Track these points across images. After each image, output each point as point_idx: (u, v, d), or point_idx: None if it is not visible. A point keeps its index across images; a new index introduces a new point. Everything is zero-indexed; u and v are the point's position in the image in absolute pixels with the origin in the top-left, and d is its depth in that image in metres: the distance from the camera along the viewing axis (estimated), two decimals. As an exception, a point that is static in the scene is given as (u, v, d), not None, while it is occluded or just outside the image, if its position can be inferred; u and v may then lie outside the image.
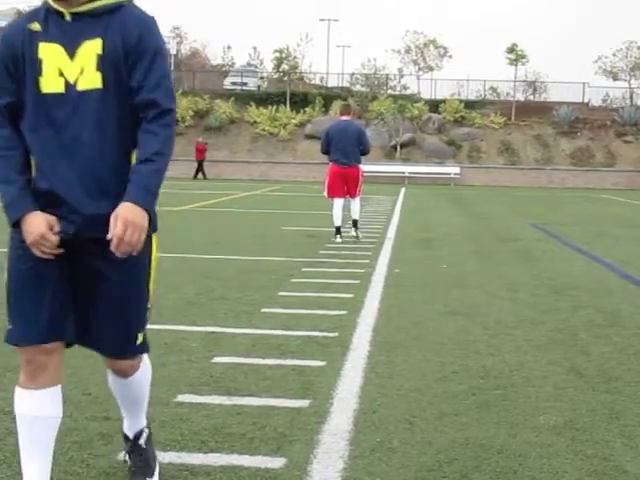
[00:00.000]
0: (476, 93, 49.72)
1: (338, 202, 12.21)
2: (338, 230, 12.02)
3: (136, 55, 2.65)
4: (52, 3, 2.67)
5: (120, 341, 2.84)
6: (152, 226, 2.75)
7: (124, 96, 2.67)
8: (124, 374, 2.97)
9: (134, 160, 2.70)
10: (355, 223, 12.47)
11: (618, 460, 3.57)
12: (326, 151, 12.31)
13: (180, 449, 3.56)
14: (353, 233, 12.34)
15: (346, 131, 12.05)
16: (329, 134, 12.22)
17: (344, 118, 12.39)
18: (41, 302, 2.70)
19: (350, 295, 7.50)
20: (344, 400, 4.31)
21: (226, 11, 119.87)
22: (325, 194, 12.42)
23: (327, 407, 4.18)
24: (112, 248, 2.58)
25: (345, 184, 12.22)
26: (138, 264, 2.78)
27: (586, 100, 47.18)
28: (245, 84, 49.02)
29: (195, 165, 39.37)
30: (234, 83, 49.44)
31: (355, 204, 12.47)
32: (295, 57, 47.23)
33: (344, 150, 12.01)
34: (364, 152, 12.25)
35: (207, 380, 4.61)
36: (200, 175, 39.04)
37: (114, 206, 2.61)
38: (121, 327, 2.81)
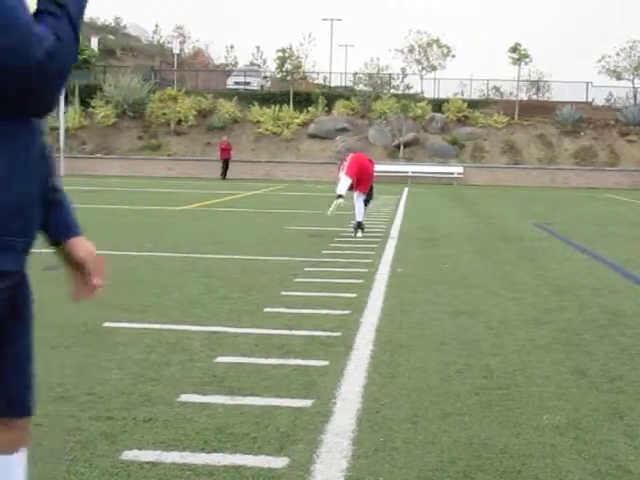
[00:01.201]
0: (479, 93, 49.64)
1: (358, 195, 12.78)
2: (359, 225, 12.74)
3: None
4: None
5: (27, 390, 2.16)
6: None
7: None
8: (11, 447, 2.13)
9: None
10: (360, 225, 12.82)
11: (622, 460, 3.56)
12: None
13: (183, 449, 3.56)
14: (359, 234, 12.69)
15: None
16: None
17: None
18: None
19: (353, 295, 7.49)
20: (347, 400, 4.31)
21: (229, 11, 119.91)
22: (344, 173, 12.64)
23: (330, 407, 4.18)
24: (95, 281, 2.08)
25: (360, 173, 12.66)
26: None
27: (589, 99, 47.09)
28: (248, 84, 48.98)
29: (220, 165, 39.31)
30: (237, 83, 49.41)
31: (360, 204, 12.80)
32: (298, 57, 47.16)
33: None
34: None
35: (210, 380, 4.61)
36: (226, 174, 38.99)
37: None
38: (26, 374, 2.16)
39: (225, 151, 39.25)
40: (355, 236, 12.58)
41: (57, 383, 4.47)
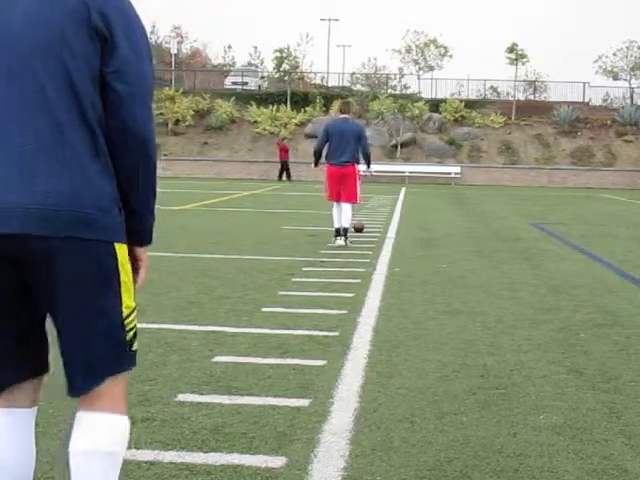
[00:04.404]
0: (476, 93, 49.74)
1: (337, 205, 11.75)
2: (338, 232, 11.66)
3: None
4: None
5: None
6: None
7: None
8: (34, 403, 2.44)
9: None
10: (345, 232, 11.64)
11: (618, 459, 3.57)
12: (319, 148, 11.91)
13: (180, 448, 3.57)
14: (341, 242, 11.54)
15: (345, 131, 11.67)
16: (328, 132, 11.83)
17: (343, 116, 12.04)
18: None
19: (351, 294, 7.50)
20: (344, 399, 4.32)
21: (227, 11, 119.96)
22: (327, 196, 11.98)
23: (327, 406, 4.19)
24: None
25: (341, 185, 11.69)
26: None
27: (586, 100, 47.19)
28: (246, 84, 49.04)
29: (279, 166, 38.79)
30: (235, 83, 49.48)
31: (347, 211, 11.65)
32: (296, 57, 47.21)
33: (341, 150, 11.64)
34: (363, 153, 11.83)
35: (208, 379, 4.62)
36: (285, 176, 38.15)
37: None
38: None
39: (284, 152, 38.69)
40: (339, 243, 11.57)
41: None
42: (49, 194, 2.13)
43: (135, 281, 2.39)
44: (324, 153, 11.98)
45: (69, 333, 2.27)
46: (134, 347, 2.37)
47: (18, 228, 2.12)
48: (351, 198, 11.75)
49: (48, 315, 2.35)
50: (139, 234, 2.38)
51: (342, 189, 11.69)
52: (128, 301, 2.32)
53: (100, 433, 2.29)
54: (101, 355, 2.27)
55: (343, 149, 11.62)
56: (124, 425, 2.36)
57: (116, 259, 2.26)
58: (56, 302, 2.23)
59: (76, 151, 2.16)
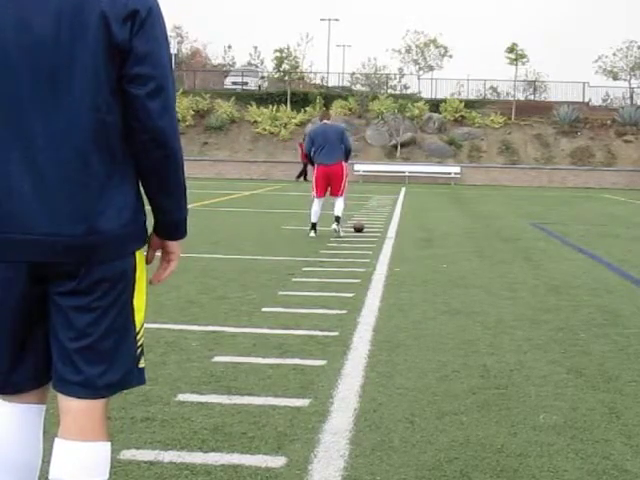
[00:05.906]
0: (476, 93, 49.75)
1: (318, 201, 12.73)
2: (314, 226, 12.53)
3: None
4: None
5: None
6: None
7: None
8: (45, 398, 2.44)
9: None
10: (337, 219, 12.68)
11: (618, 459, 3.57)
12: (308, 152, 12.99)
13: (180, 448, 3.57)
14: (334, 227, 12.57)
15: (327, 133, 12.78)
16: (312, 137, 12.94)
17: (323, 122, 13.19)
18: None
19: (350, 294, 7.50)
20: (344, 399, 4.32)
21: (227, 11, 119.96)
22: (314, 193, 12.83)
23: (327, 406, 4.19)
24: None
25: (329, 183, 12.80)
26: None
27: (586, 100, 47.19)
28: (246, 84, 49.05)
29: (301, 166, 38.31)
30: (235, 83, 49.47)
31: (339, 202, 12.83)
32: (296, 57, 47.23)
33: (327, 151, 12.66)
34: (346, 151, 12.87)
35: (207, 379, 4.62)
36: (302, 178, 37.97)
37: None
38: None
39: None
40: (332, 227, 12.58)
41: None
42: (77, 224, 2.13)
43: (165, 268, 2.44)
44: (314, 155, 13.06)
45: (83, 343, 2.21)
46: (141, 364, 2.36)
47: (49, 257, 2.13)
48: (339, 193, 12.91)
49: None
50: (171, 230, 2.38)
51: (332, 185, 12.86)
52: (140, 315, 2.32)
53: (84, 464, 2.25)
54: (113, 368, 2.25)
55: (329, 150, 12.72)
56: (106, 452, 2.30)
57: (135, 269, 2.28)
58: (73, 311, 2.20)
59: (100, 177, 2.15)
